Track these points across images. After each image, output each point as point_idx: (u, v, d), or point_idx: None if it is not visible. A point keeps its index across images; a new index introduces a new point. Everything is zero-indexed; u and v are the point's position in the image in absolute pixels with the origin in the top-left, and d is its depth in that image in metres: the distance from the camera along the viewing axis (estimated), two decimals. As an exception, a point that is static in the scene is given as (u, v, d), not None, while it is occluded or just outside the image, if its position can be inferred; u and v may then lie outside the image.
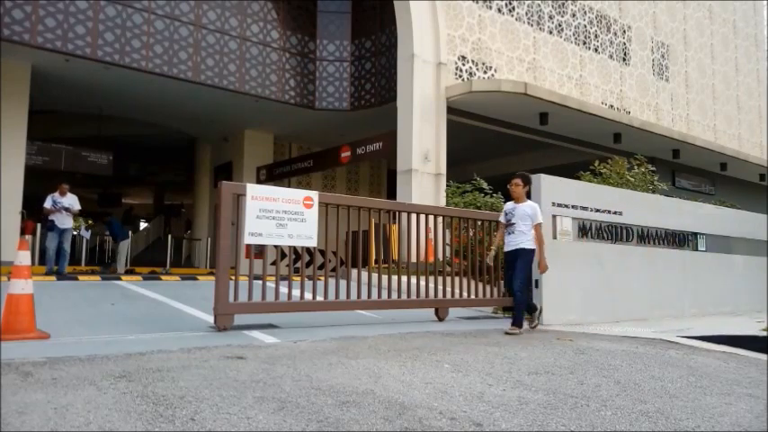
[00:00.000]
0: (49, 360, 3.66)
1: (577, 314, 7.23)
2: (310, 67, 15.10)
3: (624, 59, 18.16)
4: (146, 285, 8.64)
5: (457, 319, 6.90)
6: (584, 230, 7.58)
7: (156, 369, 3.52)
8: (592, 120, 14.33)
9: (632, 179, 10.16)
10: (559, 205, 7.28)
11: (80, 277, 9.89)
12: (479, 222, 7.50)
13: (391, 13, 13.41)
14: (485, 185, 10.17)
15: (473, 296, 7.13)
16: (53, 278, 9.06)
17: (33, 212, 13.18)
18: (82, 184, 22.99)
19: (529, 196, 6.54)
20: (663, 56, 19.65)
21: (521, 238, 6.14)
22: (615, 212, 7.92)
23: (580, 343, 5.43)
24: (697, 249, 9.30)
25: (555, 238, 7.16)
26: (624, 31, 18.26)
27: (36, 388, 2.99)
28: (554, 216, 7.21)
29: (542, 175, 7.24)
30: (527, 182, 6.41)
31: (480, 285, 7.19)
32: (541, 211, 6.35)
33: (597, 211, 7.69)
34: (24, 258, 4.69)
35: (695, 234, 9.28)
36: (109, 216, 17.00)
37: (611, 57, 17.71)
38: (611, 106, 17.26)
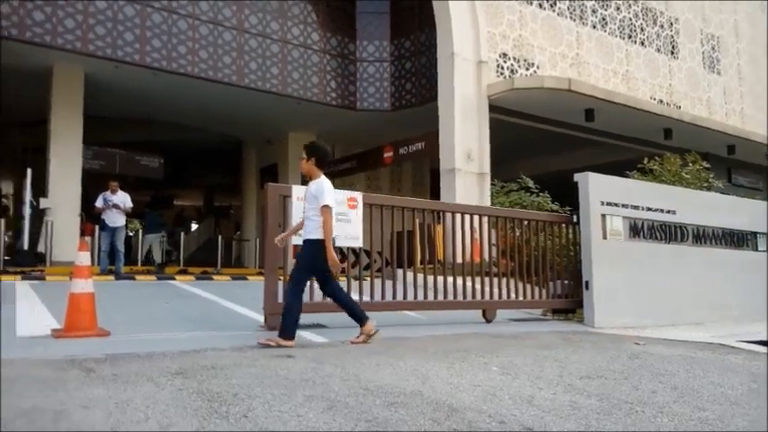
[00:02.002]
0: (109, 357, 3.80)
1: (630, 317, 7.01)
2: (351, 68, 15.19)
3: (672, 53, 17.58)
4: (198, 285, 8.88)
5: (505, 321, 6.81)
6: (635, 230, 7.36)
7: (209, 366, 3.61)
8: (640, 115, 13.94)
9: (687, 176, 9.84)
10: (609, 204, 7.11)
11: (137, 277, 10.23)
12: (526, 222, 7.40)
13: (430, 13, 13.35)
14: (531, 184, 10.02)
15: (521, 297, 7.03)
16: (111, 278, 9.39)
17: (91, 215, 13.70)
18: (135, 186, 23.77)
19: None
20: (713, 48, 18.93)
21: (308, 227, 4.82)
22: (668, 211, 7.66)
23: (634, 347, 5.28)
24: (757, 249, 8.89)
25: (605, 238, 7.00)
26: (671, 24, 17.68)
27: (98, 383, 3.11)
28: (603, 215, 7.05)
29: (590, 174, 7.09)
30: (311, 153, 5.01)
31: (529, 287, 7.08)
32: (592, 210, 6.16)
33: (649, 209, 7.45)
34: (84, 259, 4.89)
35: (755, 234, 8.87)
36: (147, 209, 17.36)
37: (658, 50, 17.17)
38: (661, 101, 16.72)
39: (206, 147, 20.91)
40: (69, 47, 11.63)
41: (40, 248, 11.81)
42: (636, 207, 7.35)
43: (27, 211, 12.93)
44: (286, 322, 4.56)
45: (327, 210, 4.74)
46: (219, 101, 14.67)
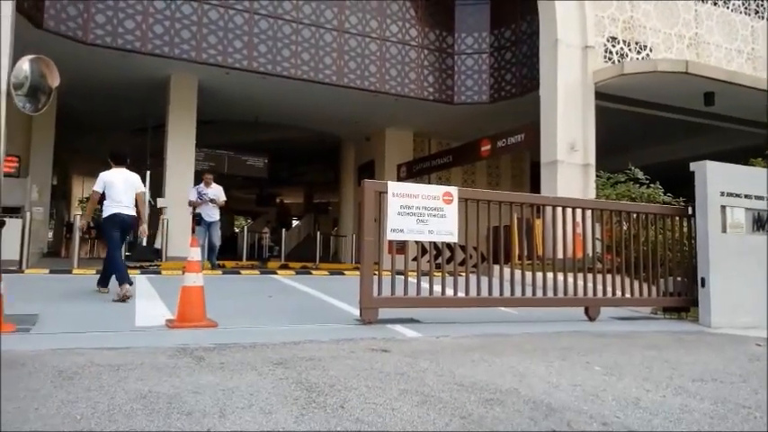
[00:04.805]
0: (217, 346, 4.04)
1: (750, 317, 6.41)
2: (449, 61, 15.08)
3: (808, 27, 15.81)
4: (298, 279, 9.22)
5: (609, 320, 6.48)
6: (759, 223, 6.71)
7: (308, 358, 3.74)
8: (768, 97, 12.69)
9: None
10: (729, 194, 6.54)
11: (242, 271, 10.80)
12: (634, 215, 6.99)
13: (532, 0, 12.95)
14: (640, 175, 9.46)
15: (628, 295, 6.65)
16: (219, 272, 9.99)
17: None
18: (242, 185, 25.16)
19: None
20: None
21: None
22: (799, 202, 6.92)
23: (754, 349, 4.83)
24: None
25: (724, 231, 6.46)
26: (806, -6, 15.89)
27: (207, 371, 3.32)
28: (722, 207, 6.50)
29: (708, 162, 6.56)
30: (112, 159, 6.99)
31: (636, 284, 6.69)
32: (710, 201, 5.66)
33: (776, 200, 6.77)
34: (195, 254, 5.24)
35: None
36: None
37: (790, 25, 15.52)
38: (793, 81, 15.11)
39: (306, 145, 21.64)
40: (185, 56, 12.49)
41: (158, 245, 12.77)
42: (760, 198, 6.71)
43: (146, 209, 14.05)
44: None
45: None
46: (320, 101, 15.12)
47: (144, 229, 7.15)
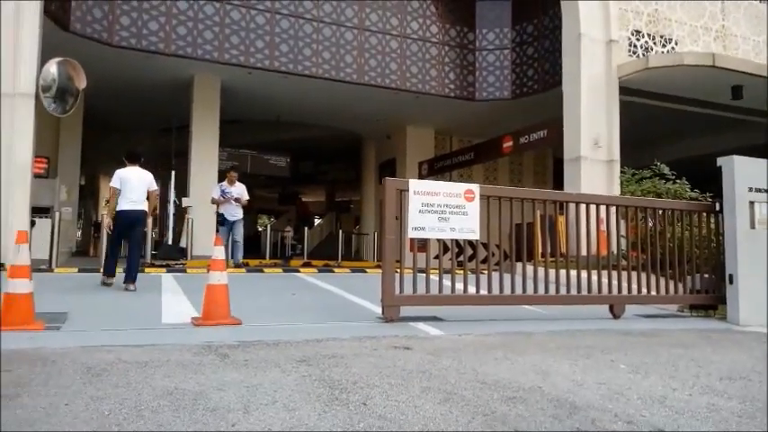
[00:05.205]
0: (241, 343, 4.09)
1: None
2: (470, 58, 15.00)
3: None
4: (320, 277, 9.27)
5: (634, 317, 6.40)
6: (789, 218, 6.56)
7: (331, 355, 3.77)
8: (799, 90, 12.36)
9: None
10: (758, 190, 6.40)
11: (265, 269, 10.89)
12: (660, 212, 6.88)
13: (555, -6, 12.82)
14: (666, 171, 9.31)
15: (654, 293, 6.54)
16: (243, 271, 10.09)
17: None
18: (265, 184, 25.36)
19: None
20: None
21: None
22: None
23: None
24: None
25: (753, 227, 6.32)
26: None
27: (231, 368, 3.37)
28: (751, 203, 6.37)
29: (735, 157, 6.43)
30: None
31: (662, 281, 6.58)
32: (737, 197, 5.56)
33: (807, 195, 6.61)
34: (219, 253, 5.30)
35: None
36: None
37: (822, 15, 15.08)
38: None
39: (328, 144, 21.73)
40: (208, 57, 12.63)
41: (183, 243, 12.95)
42: (791, 193, 6.55)
43: (171, 209, 14.28)
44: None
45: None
46: (341, 99, 15.17)
47: (149, 222, 7.63)
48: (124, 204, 7.15)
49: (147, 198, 7.36)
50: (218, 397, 2.77)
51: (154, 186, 7.47)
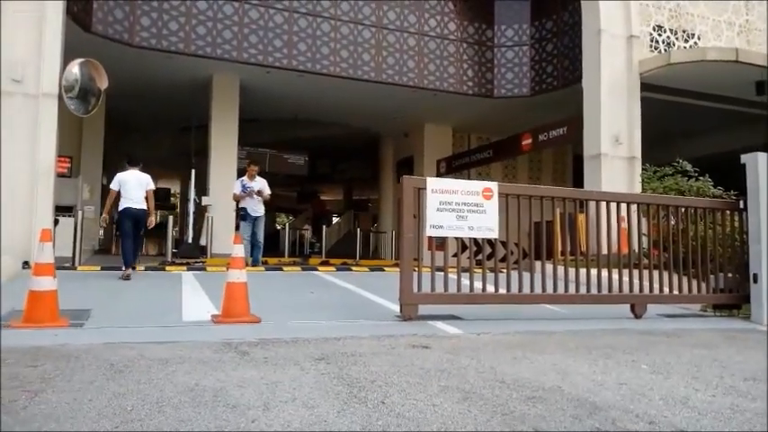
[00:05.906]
0: (260, 341, 4.12)
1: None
2: (488, 54, 14.91)
3: None
4: (338, 276, 9.29)
5: (656, 317, 6.31)
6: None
7: (349, 354, 3.78)
8: (826, 84, 12.09)
9: None
10: (784, 187, 6.28)
11: (284, 268, 10.95)
12: (682, 210, 6.78)
13: (575, -11, 12.68)
14: (689, 168, 9.17)
15: (676, 292, 6.45)
16: (262, 269, 10.15)
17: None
18: (283, 183, 25.50)
19: None
20: None
21: None
22: None
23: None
24: None
25: (778, 225, 6.20)
26: None
27: (251, 365, 3.40)
28: (777, 200, 6.24)
29: (760, 154, 6.32)
30: None
31: (685, 280, 6.48)
32: (762, 194, 5.52)
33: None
34: (239, 251, 5.34)
35: None
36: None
37: None
38: None
39: (345, 142, 21.76)
40: (227, 56, 12.73)
41: (203, 242, 13.07)
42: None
43: (191, 207, 14.44)
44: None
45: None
46: (359, 97, 15.18)
47: (151, 220, 8.10)
48: (125, 203, 7.85)
49: (147, 198, 7.99)
50: (238, 394, 2.80)
51: (151, 186, 8.12)
